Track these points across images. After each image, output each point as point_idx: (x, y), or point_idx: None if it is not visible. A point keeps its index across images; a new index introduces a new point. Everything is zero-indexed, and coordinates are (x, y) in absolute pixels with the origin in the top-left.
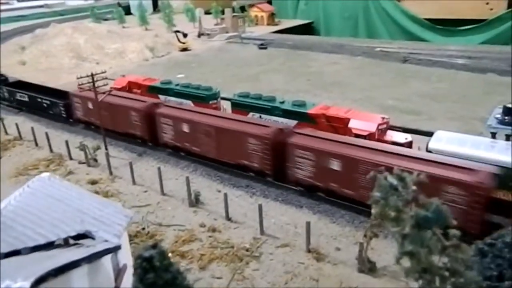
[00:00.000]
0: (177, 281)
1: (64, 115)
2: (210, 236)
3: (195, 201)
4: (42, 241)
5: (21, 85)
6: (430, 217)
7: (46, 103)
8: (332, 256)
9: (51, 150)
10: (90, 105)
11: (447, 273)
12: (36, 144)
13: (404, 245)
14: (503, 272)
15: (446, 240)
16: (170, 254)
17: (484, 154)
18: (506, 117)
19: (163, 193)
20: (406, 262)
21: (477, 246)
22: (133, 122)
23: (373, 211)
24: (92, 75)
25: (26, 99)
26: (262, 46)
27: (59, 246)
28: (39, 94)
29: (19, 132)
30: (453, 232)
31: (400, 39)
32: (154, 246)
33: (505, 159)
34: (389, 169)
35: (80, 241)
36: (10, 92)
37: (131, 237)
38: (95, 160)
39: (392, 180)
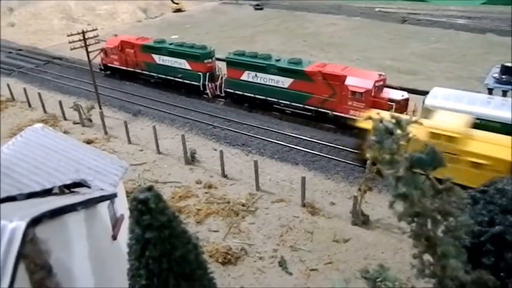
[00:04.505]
0: (172, 224)
1: None
2: (206, 192)
3: (191, 159)
4: (37, 188)
5: None
6: (425, 159)
7: None
8: (327, 210)
9: (44, 111)
10: None
11: (439, 216)
12: (29, 105)
13: (397, 188)
14: (494, 218)
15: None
16: None
17: (481, 109)
18: (503, 76)
19: (159, 152)
20: (399, 208)
21: (470, 194)
22: None
23: (368, 155)
24: (83, 32)
25: None
26: (258, 7)
27: (54, 193)
28: None
29: (11, 93)
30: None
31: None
32: (150, 189)
33: (502, 115)
34: None
35: (76, 189)
36: None
37: (128, 193)
38: (90, 120)
39: (388, 123)
